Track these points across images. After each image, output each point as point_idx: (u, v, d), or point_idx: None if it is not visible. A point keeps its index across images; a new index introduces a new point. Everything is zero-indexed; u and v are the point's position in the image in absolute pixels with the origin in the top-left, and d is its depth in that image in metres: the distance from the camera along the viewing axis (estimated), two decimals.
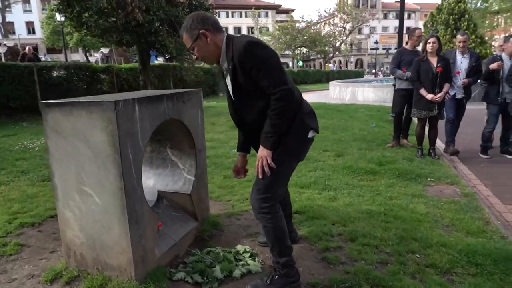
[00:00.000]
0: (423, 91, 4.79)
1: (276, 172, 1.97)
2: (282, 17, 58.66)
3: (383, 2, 60.88)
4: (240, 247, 2.63)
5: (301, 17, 40.08)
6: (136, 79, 11.72)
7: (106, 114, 1.91)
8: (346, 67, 53.99)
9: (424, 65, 4.79)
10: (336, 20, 42.09)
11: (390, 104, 6.20)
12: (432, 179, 4.15)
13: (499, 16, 37.61)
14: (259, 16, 52.38)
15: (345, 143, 5.90)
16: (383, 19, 61.96)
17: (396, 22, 59.03)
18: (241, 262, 2.45)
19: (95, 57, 28.53)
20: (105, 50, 25.10)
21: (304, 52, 47.20)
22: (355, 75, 36.28)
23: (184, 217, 2.76)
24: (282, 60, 44.51)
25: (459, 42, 5.14)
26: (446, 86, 4.78)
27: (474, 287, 2.08)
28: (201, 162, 2.83)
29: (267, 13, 49.16)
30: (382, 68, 47.77)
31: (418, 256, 2.43)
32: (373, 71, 44.16)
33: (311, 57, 55.89)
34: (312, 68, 47.37)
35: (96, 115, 1.93)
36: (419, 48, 5.40)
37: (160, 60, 19.03)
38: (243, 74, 1.88)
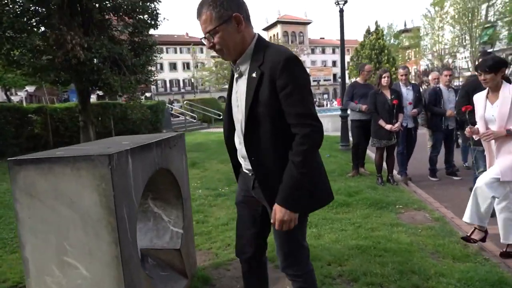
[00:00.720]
0: (382, 122, 5.07)
1: (298, 234, 1.67)
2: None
3: (309, 38, 65.47)
4: None
5: None
6: (73, 119, 10.87)
7: (98, 170, 1.64)
8: None
9: (379, 97, 5.11)
10: None
11: (333, 134, 6.46)
12: (401, 206, 4.30)
13: (409, 50, 42.68)
14: (195, 52, 53.08)
15: None
16: (311, 53, 66.44)
17: (322, 57, 63.19)
18: None
19: (19, 96, 26.15)
20: (30, 89, 23.17)
21: None
22: None
23: (174, 276, 2.46)
24: (221, 94, 45.12)
25: (401, 75, 5.60)
26: (401, 117, 5.13)
27: None
28: (187, 213, 2.58)
29: (202, 49, 49.99)
30: (315, 100, 50.60)
31: None
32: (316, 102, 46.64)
33: None
34: None
35: (86, 172, 1.65)
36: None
37: (93, 98, 18.05)
38: (270, 90, 1.48)
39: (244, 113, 1.57)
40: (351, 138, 6.64)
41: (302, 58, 54.83)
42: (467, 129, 3.20)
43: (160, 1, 9.18)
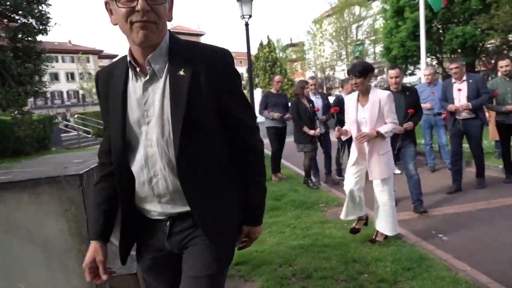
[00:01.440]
0: (306, 129, 5.47)
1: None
2: (105, 62, 56.03)
3: None
4: None
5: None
6: None
7: (66, 193, 1.44)
8: None
9: (301, 106, 5.53)
10: None
11: None
12: (323, 204, 4.70)
13: (296, 63, 46.66)
14: (83, 61, 48.46)
15: None
16: None
17: None
18: None
19: None
20: None
21: None
22: None
23: None
24: None
25: (311, 85, 6.14)
26: (318, 122, 5.64)
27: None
28: None
29: (88, 58, 45.98)
30: None
31: (367, 275, 2.71)
32: None
33: None
34: None
35: (49, 197, 1.44)
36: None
37: None
38: (209, 92, 1.15)
39: (172, 126, 1.13)
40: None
41: None
42: (336, 129, 3.46)
43: (49, 4, 8.23)
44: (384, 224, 3.36)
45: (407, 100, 4.10)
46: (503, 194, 4.68)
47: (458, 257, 3.02)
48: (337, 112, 4.26)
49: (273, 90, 6.38)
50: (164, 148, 1.16)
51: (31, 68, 8.19)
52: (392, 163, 3.39)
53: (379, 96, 3.25)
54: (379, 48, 32.26)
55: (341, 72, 37.65)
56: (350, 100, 3.42)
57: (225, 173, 1.25)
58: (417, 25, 10.22)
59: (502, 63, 5.10)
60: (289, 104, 6.25)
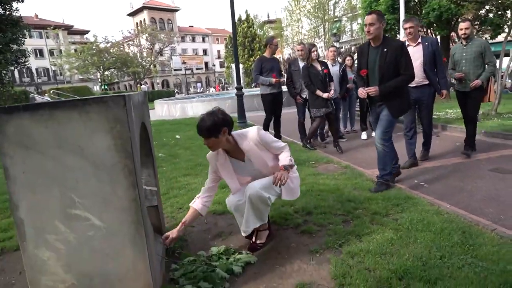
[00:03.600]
0: (319, 92, 5.51)
1: None
2: (76, 38, 53.63)
3: (179, 26, 64.37)
4: (215, 249, 2.56)
5: (104, 37, 37.61)
6: None
7: (112, 112, 1.60)
8: (153, 88, 54.10)
9: (312, 70, 5.54)
10: (142, 41, 41.87)
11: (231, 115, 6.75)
12: (313, 162, 4.99)
13: (278, 39, 46.47)
14: (48, 38, 46.26)
15: None
16: (181, 41, 65.54)
17: (193, 45, 62.54)
18: (231, 259, 2.41)
19: None
20: None
21: (115, 73, 44.61)
22: (167, 95, 37.03)
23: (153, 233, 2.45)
24: (86, 84, 40.66)
25: (313, 52, 6.17)
26: (332, 85, 5.74)
27: (408, 217, 2.78)
28: (156, 170, 2.58)
29: (58, 34, 43.90)
30: (194, 85, 50.41)
31: (361, 210, 3.01)
32: (198, 86, 46.14)
33: (115, 80, 53.39)
34: (119, 90, 45.21)
35: (97, 115, 1.59)
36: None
37: None
38: None
39: None
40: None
41: (174, 45, 53.76)
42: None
43: None
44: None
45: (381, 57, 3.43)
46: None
47: (439, 198, 3.38)
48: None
49: (266, 54, 6.19)
50: None
51: (9, 37, 7.91)
52: None
53: None
54: (356, 25, 32.63)
55: (319, 49, 37.93)
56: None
57: None
58: None
59: (462, 25, 4.67)
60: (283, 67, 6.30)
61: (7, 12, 8.05)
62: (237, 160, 2.47)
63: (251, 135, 2.41)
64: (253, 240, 2.55)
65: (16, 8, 8.40)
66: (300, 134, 6.41)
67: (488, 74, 4.63)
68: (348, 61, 7.15)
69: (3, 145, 1.54)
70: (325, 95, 5.52)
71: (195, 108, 15.67)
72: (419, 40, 4.38)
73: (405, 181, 4.00)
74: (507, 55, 8.56)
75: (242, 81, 10.90)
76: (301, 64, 6.14)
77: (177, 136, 7.80)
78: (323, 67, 5.63)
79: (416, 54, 4.27)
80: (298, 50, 6.23)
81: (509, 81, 21.57)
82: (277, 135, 6.43)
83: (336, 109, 6.30)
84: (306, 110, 6.22)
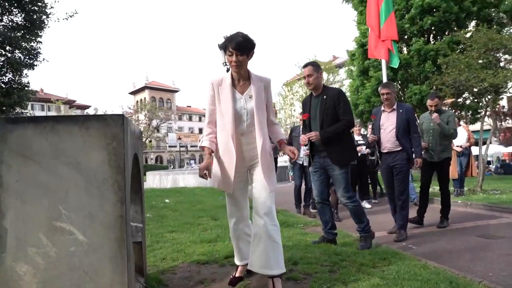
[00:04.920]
0: None
1: None
2: (77, 112, 55.55)
3: (177, 106, 67.52)
4: None
5: (104, 112, 39.17)
6: None
7: (110, 129, 1.72)
8: (146, 162, 54.54)
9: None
10: (141, 116, 43.50)
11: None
12: (301, 225, 4.96)
13: None
14: (50, 110, 47.93)
15: (210, 210, 6.17)
16: (178, 120, 68.10)
17: (189, 124, 64.50)
18: None
19: None
20: None
21: None
22: (161, 169, 37.40)
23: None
24: None
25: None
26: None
27: (395, 269, 2.74)
28: (143, 207, 2.60)
29: (60, 107, 45.73)
30: (188, 162, 50.92)
31: (348, 262, 2.96)
32: (192, 163, 46.67)
33: None
34: None
35: (96, 131, 1.71)
36: None
37: None
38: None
39: None
40: None
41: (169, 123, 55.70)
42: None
43: (41, 42, 8.62)
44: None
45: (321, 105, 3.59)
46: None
47: (427, 258, 3.35)
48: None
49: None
50: None
51: (14, 99, 8.31)
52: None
53: None
54: None
55: None
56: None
57: None
58: (380, 83, 11.42)
59: (430, 102, 4.93)
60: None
61: (17, 77, 8.57)
62: (238, 92, 2.41)
63: (264, 77, 2.49)
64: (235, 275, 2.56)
65: (25, 74, 8.97)
66: (295, 200, 6.45)
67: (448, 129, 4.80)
68: None
69: (3, 153, 1.62)
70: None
71: (187, 180, 15.73)
72: (394, 106, 4.37)
73: (392, 244, 3.97)
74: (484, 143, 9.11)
75: None
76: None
77: (166, 200, 7.75)
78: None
79: (390, 120, 4.34)
80: (300, 120, 6.55)
81: (493, 166, 22.35)
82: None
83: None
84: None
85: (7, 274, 1.61)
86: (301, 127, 6.35)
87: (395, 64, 8.68)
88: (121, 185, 1.72)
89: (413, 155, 4.29)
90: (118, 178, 1.72)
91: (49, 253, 1.65)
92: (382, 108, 4.47)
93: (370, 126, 7.65)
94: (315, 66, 3.65)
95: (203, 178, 2.33)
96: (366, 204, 6.95)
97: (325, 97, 3.59)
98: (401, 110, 4.32)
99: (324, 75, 35.67)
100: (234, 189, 2.45)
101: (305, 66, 3.65)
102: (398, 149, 4.29)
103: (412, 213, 4.80)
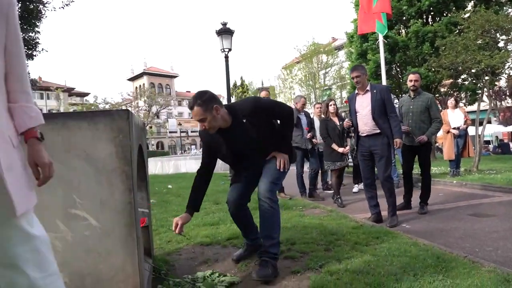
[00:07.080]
0: (335, 146, 5.62)
1: None
2: (76, 99, 55.55)
3: (176, 91, 67.32)
4: (201, 274, 2.65)
5: (104, 99, 39.17)
6: None
7: (117, 124, 1.86)
8: (148, 148, 54.79)
9: (330, 123, 5.75)
10: (140, 103, 43.50)
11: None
12: (300, 207, 5.14)
13: None
14: (49, 99, 47.94)
15: (212, 195, 6.36)
16: (178, 105, 68.04)
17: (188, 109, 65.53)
18: (215, 281, 2.50)
19: None
20: None
21: None
22: (161, 155, 37.64)
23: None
24: None
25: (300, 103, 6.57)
26: (349, 140, 5.90)
27: (386, 246, 2.93)
28: (149, 194, 2.76)
29: (58, 95, 45.70)
30: (189, 147, 51.20)
31: (342, 241, 3.15)
32: (193, 149, 46.96)
33: None
34: None
35: (104, 126, 1.85)
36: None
37: None
38: None
39: None
40: None
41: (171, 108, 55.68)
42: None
43: (39, 31, 8.64)
44: None
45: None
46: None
47: (419, 236, 3.53)
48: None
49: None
50: None
51: None
52: None
53: None
54: (345, 93, 34.60)
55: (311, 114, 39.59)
56: None
57: None
58: (378, 66, 11.46)
59: (411, 76, 4.81)
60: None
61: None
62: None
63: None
64: None
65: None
66: (299, 187, 6.58)
67: (433, 130, 4.68)
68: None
69: None
70: (340, 149, 5.61)
71: (189, 165, 15.95)
72: (368, 88, 4.23)
73: (386, 223, 4.16)
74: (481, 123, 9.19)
75: None
76: (316, 121, 6.47)
77: (169, 186, 7.94)
78: (341, 122, 5.67)
79: (364, 102, 4.23)
80: (317, 108, 6.61)
81: (491, 146, 22.51)
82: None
83: (321, 161, 6.56)
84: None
85: None
86: (315, 116, 6.40)
87: (382, 32, 8.72)
88: (128, 174, 1.87)
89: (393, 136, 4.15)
90: (126, 168, 1.87)
91: (66, 238, 1.81)
92: (356, 92, 4.38)
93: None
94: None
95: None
96: (354, 189, 7.07)
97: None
98: (374, 91, 4.19)
99: (324, 58, 35.49)
100: None
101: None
102: (377, 131, 4.16)
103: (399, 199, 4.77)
